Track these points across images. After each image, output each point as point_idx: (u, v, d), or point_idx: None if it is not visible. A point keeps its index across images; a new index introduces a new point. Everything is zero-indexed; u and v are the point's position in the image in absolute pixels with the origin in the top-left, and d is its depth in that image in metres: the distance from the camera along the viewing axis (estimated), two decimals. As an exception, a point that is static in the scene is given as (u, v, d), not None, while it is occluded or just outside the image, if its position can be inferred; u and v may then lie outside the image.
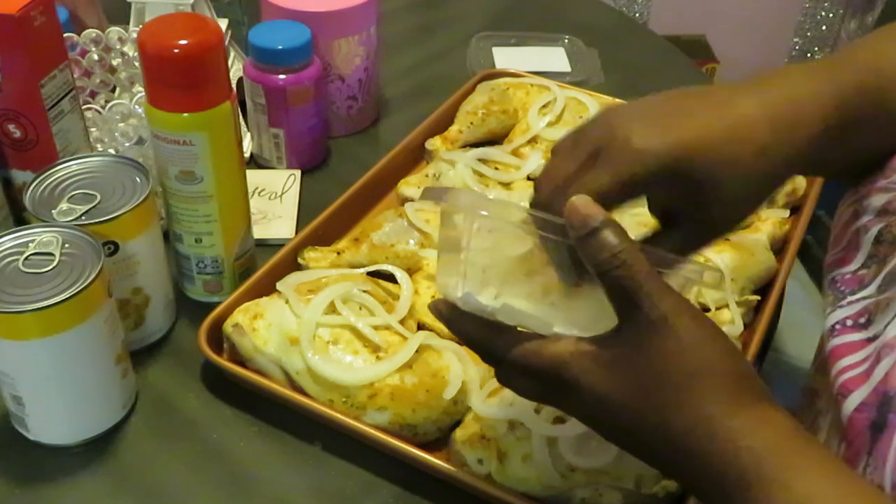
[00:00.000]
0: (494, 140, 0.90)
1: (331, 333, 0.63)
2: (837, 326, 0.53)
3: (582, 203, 0.45)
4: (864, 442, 0.47)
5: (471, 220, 0.48)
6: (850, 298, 0.53)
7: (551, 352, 0.47)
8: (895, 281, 0.51)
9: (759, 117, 0.49)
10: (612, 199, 0.47)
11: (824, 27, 2.06)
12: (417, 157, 0.89)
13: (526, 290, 0.50)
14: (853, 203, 0.58)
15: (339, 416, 0.61)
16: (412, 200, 0.80)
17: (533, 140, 0.86)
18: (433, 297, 0.70)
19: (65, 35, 0.73)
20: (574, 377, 0.46)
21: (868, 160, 0.56)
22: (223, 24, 0.90)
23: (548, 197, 0.48)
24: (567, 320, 0.49)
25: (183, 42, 0.61)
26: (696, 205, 0.49)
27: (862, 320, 0.52)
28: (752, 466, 0.43)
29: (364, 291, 0.66)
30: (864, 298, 0.53)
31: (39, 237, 0.59)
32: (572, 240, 0.45)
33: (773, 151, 0.49)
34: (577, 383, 0.46)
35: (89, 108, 0.79)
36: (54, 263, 0.57)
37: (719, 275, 0.48)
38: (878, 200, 0.55)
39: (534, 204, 0.50)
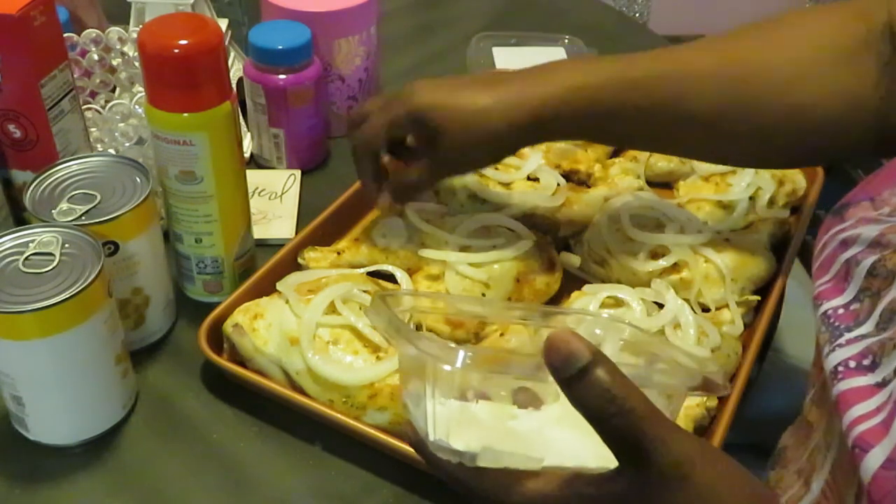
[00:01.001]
0: (494, 140, 0.90)
1: (331, 333, 0.63)
2: (840, 368, 0.50)
3: (563, 338, 0.38)
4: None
5: (433, 372, 0.42)
6: (847, 336, 0.52)
7: (549, 498, 0.42)
8: (895, 318, 0.50)
9: (491, 106, 0.65)
10: (384, 137, 0.69)
11: (824, 27, 2.05)
12: (417, 157, 0.88)
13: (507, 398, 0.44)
14: (839, 231, 0.57)
15: (339, 416, 0.61)
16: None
17: (533, 140, 0.86)
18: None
19: (65, 35, 0.73)
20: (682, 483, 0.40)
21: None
22: (223, 24, 0.90)
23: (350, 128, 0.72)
24: (560, 441, 0.43)
25: (183, 42, 0.61)
26: (432, 147, 0.66)
27: (866, 362, 0.50)
28: None
29: (364, 291, 0.66)
30: (862, 337, 0.51)
31: (39, 237, 0.59)
32: (556, 381, 0.38)
33: (490, 115, 0.65)
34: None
35: (89, 108, 0.79)
36: (54, 263, 0.57)
37: (721, 382, 0.44)
38: (869, 231, 0.54)
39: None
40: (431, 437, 0.43)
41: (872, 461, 0.45)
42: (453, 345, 0.42)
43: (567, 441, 0.43)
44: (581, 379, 0.38)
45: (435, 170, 0.69)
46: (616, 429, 0.38)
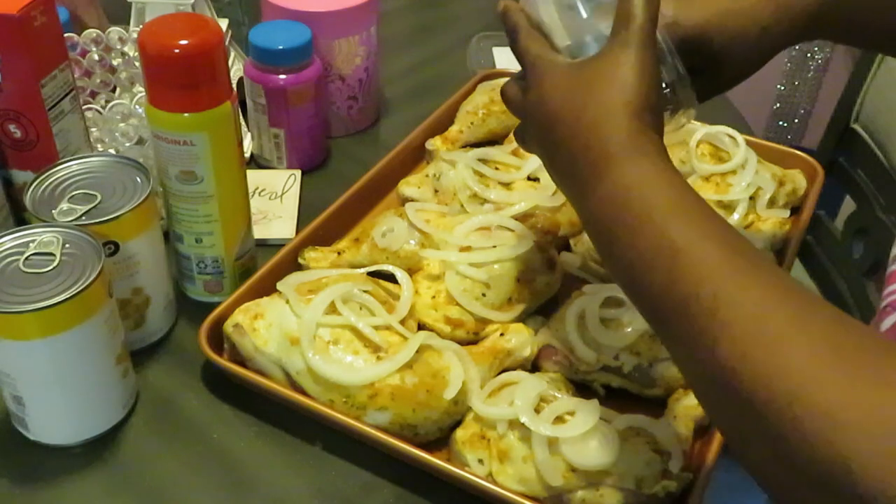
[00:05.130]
0: (495, 140, 0.90)
1: (331, 333, 0.63)
2: None
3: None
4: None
5: None
6: None
7: (542, 53, 0.56)
8: None
9: (765, 2, 0.61)
10: None
11: (824, 27, 2.06)
12: (418, 157, 0.89)
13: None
14: None
15: (339, 416, 0.61)
16: (412, 200, 0.80)
17: (533, 140, 0.86)
18: (433, 297, 0.70)
19: (65, 35, 0.73)
20: (539, 74, 0.55)
21: (870, 32, 0.65)
22: (223, 24, 0.90)
23: None
24: (580, 38, 0.56)
25: (183, 42, 0.61)
26: (710, 68, 0.62)
27: None
28: (617, 148, 0.50)
29: (364, 291, 0.66)
30: None
31: (40, 237, 0.59)
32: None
33: (773, 29, 0.61)
34: (538, 80, 0.55)
35: (90, 108, 0.79)
36: (55, 263, 0.57)
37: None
38: None
39: None
40: None
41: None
42: None
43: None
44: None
45: (709, 90, 0.65)
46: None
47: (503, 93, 0.60)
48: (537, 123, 0.56)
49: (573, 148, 0.52)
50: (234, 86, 0.69)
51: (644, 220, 0.47)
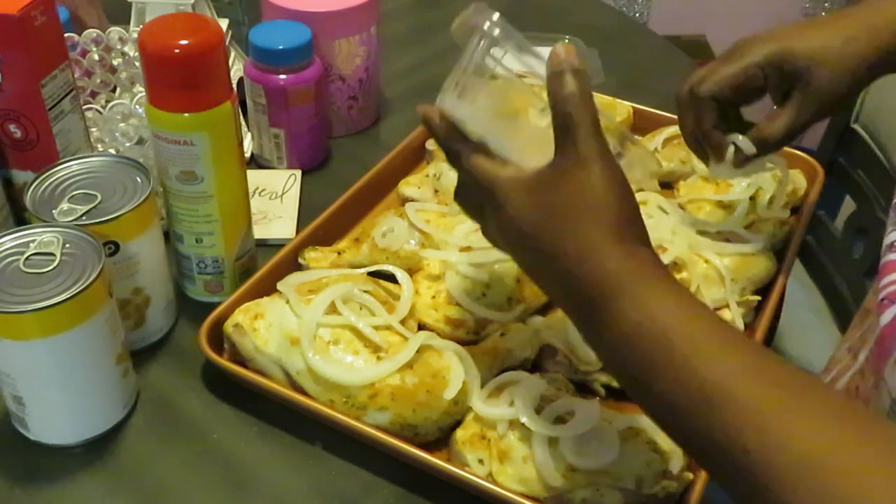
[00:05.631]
0: (495, 140, 0.90)
1: (331, 333, 0.63)
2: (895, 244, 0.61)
3: (563, 50, 0.52)
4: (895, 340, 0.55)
5: (486, 48, 0.56)
6: None
7: (494, 172, 0.54)
8: None
9: (848, 17, 0.65)
10: (735, 86, 0.66)
11: (824, 27, 2.05)
12: (418, 157, 0.89)
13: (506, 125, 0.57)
14: None
15: (339, 416, 0.61)
16: (413, 200, 0.80)
17: (533, 140, 0.86)
18: (433, 297, 0.70)
19: (65, 35, 0.73)
20: (502, 198, 0.53)
21: None
22: (224, 24, 0.90)
23: (688, 85, 0.70)
24: (522, 150, 0.54)
25: (183, 42, 0.61)
26: (799, 83, 0.64)
27: None
28: (613, 284, 0.48)
29: (365, 291, 0.66)
30: None
31: (40, 237, 0.59)
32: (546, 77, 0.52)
33: (857, 43, 0.63)
34: (501, 204, 0.53)
35: (90, 108, 0.79)
36: (55, 263, 0.57)
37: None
38: None
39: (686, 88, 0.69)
40: (445, 85, 0.55)
41: (889, 314, 0.57)
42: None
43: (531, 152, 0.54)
44: (560, 76, 0.51)
45: (800, 117, 0.66)
46: (563, 114, 0.51)
47: (458, 204, 0.60)
48: (516, 248, 0.54)
49: (564, 281, 0.50)
50: (234, 86, 0.69)
51: (666, 362, 0.45)
